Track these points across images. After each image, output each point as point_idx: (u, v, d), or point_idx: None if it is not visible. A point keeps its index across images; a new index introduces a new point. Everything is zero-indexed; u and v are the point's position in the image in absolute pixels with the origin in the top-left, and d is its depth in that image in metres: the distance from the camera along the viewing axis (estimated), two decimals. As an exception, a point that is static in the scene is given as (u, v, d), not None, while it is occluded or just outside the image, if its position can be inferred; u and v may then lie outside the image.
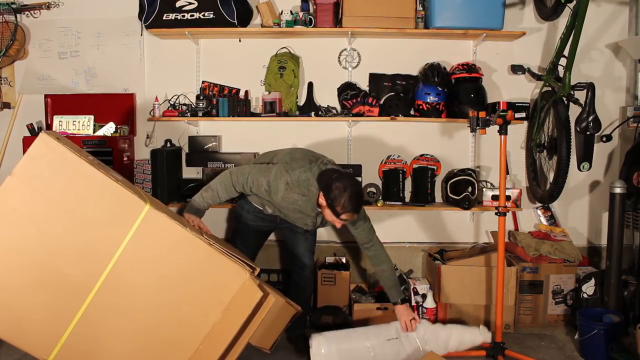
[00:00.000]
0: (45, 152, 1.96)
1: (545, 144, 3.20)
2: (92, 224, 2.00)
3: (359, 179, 3.38)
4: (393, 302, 2.73)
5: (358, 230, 2.63)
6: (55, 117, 3.29)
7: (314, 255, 2.88)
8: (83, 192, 1.99)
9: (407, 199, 3.50)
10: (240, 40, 3.51)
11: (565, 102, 2.98)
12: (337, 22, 3.31)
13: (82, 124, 3.27)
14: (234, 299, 2.08)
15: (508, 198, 3.26)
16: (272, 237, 3.06)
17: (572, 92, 2.93)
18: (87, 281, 2.01)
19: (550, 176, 3.17)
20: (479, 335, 2.73)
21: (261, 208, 2.70)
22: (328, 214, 2.38)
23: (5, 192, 1.95)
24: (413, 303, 3.21)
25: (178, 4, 3.25)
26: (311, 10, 3.37)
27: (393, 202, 3.42)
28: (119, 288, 2.03)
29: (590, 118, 2.79)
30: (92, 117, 3.28)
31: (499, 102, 2.79)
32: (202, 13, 3.25)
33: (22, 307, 2.00)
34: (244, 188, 2.53)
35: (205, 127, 3.57)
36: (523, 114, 3.24)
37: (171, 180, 3.32)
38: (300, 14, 3.32)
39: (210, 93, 3.45)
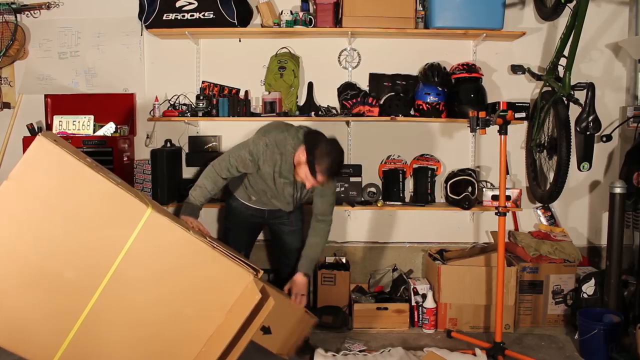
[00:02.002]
0: (43, 155, 1.91)
1: (545, 144, 3.20)
2: (93, 228, 1.97)
3: (359, 179, 3.39)
4: (298, 271, 2.65)
5: (323, 200, 2.62)
6: (55, 117, 3.29)
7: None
8: (82, 196, 1.96)
9: (407, 199, 3.51)
10: (240, 40, 3.51)
11: (565, 102, 2.98)
12: (337, 22, 3.31)
13: (82, 124, 3.26)
14: (237, 301, 2.08)
15: (508, 198, 3.26)
16: (260, 237, 3.07)
17: (572, 92, 2.92)
18: (89, 286, 1.98)
19: (550, 176, 3.17)
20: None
21: (247, 202, 2.74)
22: (304, 170, 2.38)
23: (1, 197, 1.90)
24: (413, 303, 3.21)
25: (178, 4, 3.25)
26: (311, 10, 3.37)
27: (393, 202, 3.43)
28: (121, 292, 2.01)
29: (590, 118, 2.78)
30: (92, 117, 3.27)
31: (499, 102, 2.78)
32: (202, 13, 3.25)
33: (22, 314, 1.97)
34: (230, 171, 2.56)
35: (205, 127, 3.57)
36: (523, 114, 3.23)
37: (171, 180, 3.32)
38: (300, 14, 3.32)
39: (210, 93, 3.45)
